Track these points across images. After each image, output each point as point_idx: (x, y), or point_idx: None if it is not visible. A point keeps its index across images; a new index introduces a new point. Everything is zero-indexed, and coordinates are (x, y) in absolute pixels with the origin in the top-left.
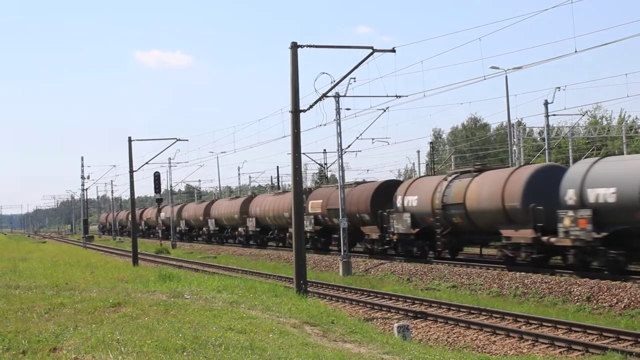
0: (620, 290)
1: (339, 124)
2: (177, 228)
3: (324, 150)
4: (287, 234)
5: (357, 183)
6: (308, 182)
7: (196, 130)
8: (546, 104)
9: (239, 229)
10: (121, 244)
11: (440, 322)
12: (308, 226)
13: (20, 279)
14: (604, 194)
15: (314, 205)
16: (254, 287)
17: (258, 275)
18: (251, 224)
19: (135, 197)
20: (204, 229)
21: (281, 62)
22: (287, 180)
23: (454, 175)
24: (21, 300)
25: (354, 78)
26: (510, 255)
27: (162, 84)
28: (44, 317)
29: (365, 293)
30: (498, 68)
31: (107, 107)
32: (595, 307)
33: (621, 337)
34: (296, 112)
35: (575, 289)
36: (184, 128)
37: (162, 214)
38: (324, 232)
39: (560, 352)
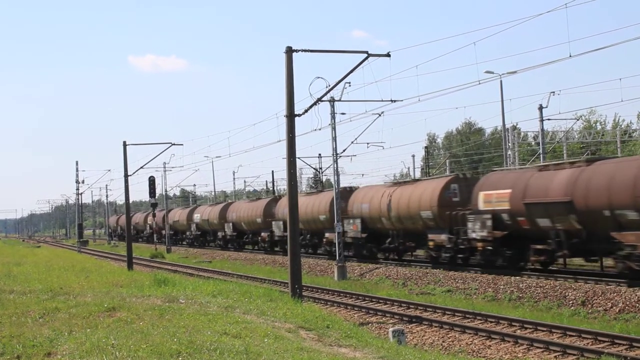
0: (615, 294)
1: (334, 129)
2: (187, 232)
3: (319, 154)
4: (325, 240)
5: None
6: (303, 187)
7: (191, 134)
8: (541, 108)
9: (262, 233)
10: (116, 248)
11: (435, 327)
12: (350, 232)
13: (14, 284)
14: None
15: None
16: (249, 292)
17: (253, 279)
18: (277, 228)
19: (130, 201)
20: (219, 233)
21: (276, 66)
22: (282, 185)
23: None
24: (15, 305)
25: (349, 82)
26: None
27: (157, 88)
28: (38, 322)
29: (360, 297)
30: (493, 72)
31: (101, 112)
32: (590, 311)
33: (616, 341)
34: (291, 116)
35: (570, 294)
36: (179, 132)
37: (171, 217)
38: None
39: (555, 357)
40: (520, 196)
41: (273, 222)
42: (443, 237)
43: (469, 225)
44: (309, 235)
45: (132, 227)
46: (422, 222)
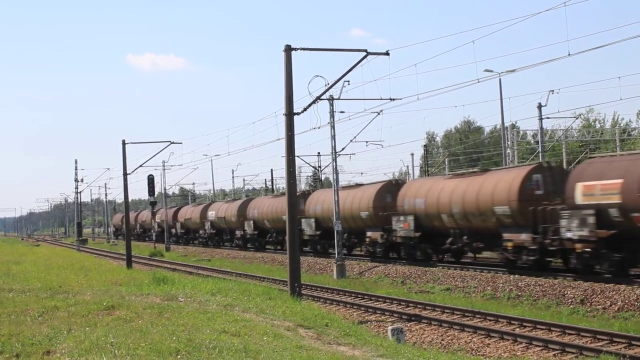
0: (614, 292)
1: (333, 127)
2: (200, 231)
3: (318, 153)
4: (367, 239)
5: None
6: (302, 185)
7: (190, 133)
8: (540, 106)
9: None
10: (115, 246)
11: (434, 325)
12: (400, 231)
13: (13, 282)
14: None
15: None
16: (248, 290)
17: (252, 278)
18: (308, 226)
19: (129, 200)
20: (238, 232)
21: (275, 65)
22: (281, 183)
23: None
24: (14, 303)
25: (348, 81)
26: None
27: (156, 87)
28: (37, 320)
29: (359, 296)
30: (492, 71)
31: (100, 110)
32: (589, 309)
33: (615, 339)
34: (290, 115)
35: (569, 292)
36: (178, 131)
37: (182, 216)
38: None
39: (554, 355)
40: (637, 187)
41: (303, 220)
42: (524, 236)
43: (563, 222)
44: (345, 235)
45: (139, 226)
46: (495, 220)
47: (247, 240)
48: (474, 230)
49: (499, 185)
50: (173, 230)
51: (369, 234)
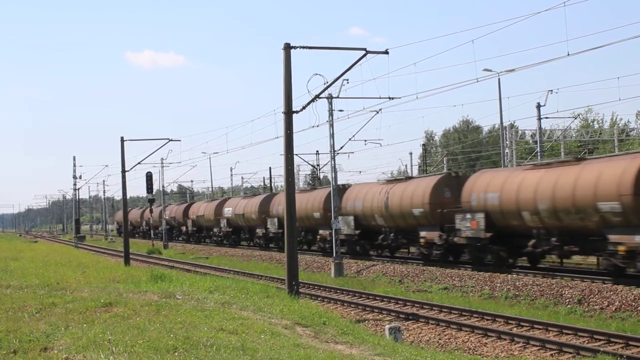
0: (611, 293)
1: (331, 126)
2: (215, 229)
3: (317, 151)
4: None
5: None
6: (300, 184)
7: (189, 130)
8: (539, 106)
9: (320, 231)
10: (113, 243)
11: (432, 324)
12: (466, 231)
13: (11, 279)
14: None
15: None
16: (246, 288)
17: (250, 276)
18: (346, 225)
19: (127, 197)
20: (258, 230)
21: (274, 63)
22: (280, 182)
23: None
24: (12, 299)
25: (347, 79)
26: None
27: (155, 84)
28: (35, 317)
29: (357, 294)
30: (491, 70)
31: (99, 107)
32: (587, 309)
33: (612, 339)
34: (289, 113)
35: (566, 292)
36: (177, 128)
37: (194, 212)
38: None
39: (552, 355)
40: None
41: (340, 218)
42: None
43: None
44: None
45: (145, 223)
46: (598, 218)
47: (270, 239)
48: (566, 230)
49: (604, 177)
50: (183, 228)
51: (423, 234)
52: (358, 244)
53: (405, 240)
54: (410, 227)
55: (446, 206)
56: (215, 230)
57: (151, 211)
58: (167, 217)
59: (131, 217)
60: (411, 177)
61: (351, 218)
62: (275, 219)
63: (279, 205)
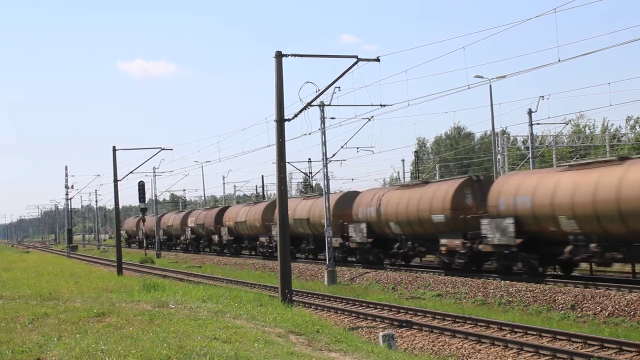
0: (604, 298)
1: (323, 133)
2: (221, 237)
3: (309, 159)
4: (443, 249)
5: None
6: (293, 191)
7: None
8: (530, 112)
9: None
10: (105, 253)
11: (426, 331)
12: (493, 238)
13: (3, 289)
14: None
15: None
16: (239, 297)
17: (243, 284)
18: (358, 232)
19: (120, 206)
20: (262, 239)
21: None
22: (272, 190)
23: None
24: (4, 310)
25: (339, 87)
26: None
27: (147, 93)
28: (27, 327)
29: (350, 302)
30: (482, 77)
31: (91, 117)
32: (580, 315)
33: (605, 345)
34: (281, 121)
35: (559, 297)
36: (169, 137)
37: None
38: None
39: None
40: None
41: (350, 226)
42: None
43: None
44: (409, 243)
45: (162, 232)
46: None
47: (275, 247)
48: (609, 236)
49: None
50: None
51: (444, 241)
52: (371, 253)
53: (423, 249)
54: (429, 234)
55: (468, 212)
56: (262, 240)
57: (143, 220)
58: (192, 225)
59: (127, 227)
60: (428, 182)
61: (363, 225)
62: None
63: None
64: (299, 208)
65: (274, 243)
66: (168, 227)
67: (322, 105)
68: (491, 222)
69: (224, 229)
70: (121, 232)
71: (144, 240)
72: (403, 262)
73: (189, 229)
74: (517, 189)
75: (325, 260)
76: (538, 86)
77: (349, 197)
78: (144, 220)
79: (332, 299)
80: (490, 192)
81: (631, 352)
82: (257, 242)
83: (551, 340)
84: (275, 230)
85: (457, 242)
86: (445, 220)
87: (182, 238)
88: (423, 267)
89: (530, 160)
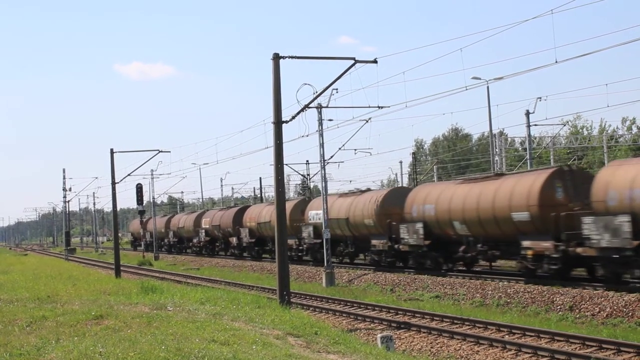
0: (602, 299)
1: (321, 135)
2: (241, 239)
3: (307, 161)
4: (528, 253)
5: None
6: (291, 193)
7: (178, 141)
8: (527, 114)
9: (374, 240)
10: (103, 256)
11: (424, 333)
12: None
13: (1, 292)
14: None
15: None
16: (237, 299)
17: (241, 286)
18: (412, 233)
19: (118, 209)
20: (290, 241)
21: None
22: (270, 191)
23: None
24: (2, 313)
25: (336, 89)
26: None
27: (144, 95)
28: (25, 330)
29: (348, 304)
30: (479, 78)
31: (88, 119)
32: (578, 316)
33: (603, 346)
34: (278, 123)
35: (557, 299)
36: (166, 139)
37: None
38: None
39: None
40: None
41: (401, 226)
42: None
43: None
44: (481, 244)
45: (172, 234)
46: None
47: (305, 251)
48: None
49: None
50: (195, 239)
51: (528, 243)
52: (428, 257)
53: (497, 252)
54: (507, 235)
55: (560, 208)
56: (236, 242)
57: (141, 222)
58: (207, 226)
59: (133, 228)
60: (503, 174)
61: (419, 225)
62: (311, 227)
63: (316, 210)
64: (336, 207)
65: (304, 246)
66: (179, 228)
67: (319, 107)
68: (597, 220)
69: (244, 231)
70: (127, 233)
71: (153, 242)
72: (464, 268)
73: (203, 230)
74: (632, 179)
75: (365, 264)
76: (535, 87)
77: (400, 193)
78: (142, 222)
79: (330, 300)
80: (595, 185)
81: (629, 352)
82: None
83: (549, 341)
84: (307, 232)
85: (547, 244)
86: (531, 218)
87: (194, 240)
88: (495, 274)
89: (528, 161)
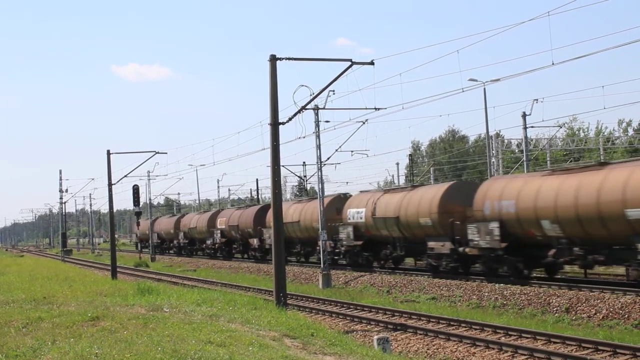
0: (598, 301)
1: (318, 137)
2: (263, 240)
3: (304, 162)
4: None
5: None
6: (287, 195)
7: (175, 142)
8: (524, 115)
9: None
10: (100, 257)
11: (420, 334)
12: None
13: None
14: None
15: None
16: (234, 300)
17: (238, 288)
18: (485, 235)
19: (114, 210)
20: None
21: (260, 74)
22: (267, 193)
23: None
24: None
25: (333, 90)
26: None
27: (141, 96)
28: (21, 332)
29: (345, 305)
30: (476, 80)
31: (85, 121)
32: (574, 318)
33: (600, 347)
34: (275, 124)
35: (554, 300)
36: (163, 141)
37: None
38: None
39: None
40: None
41: (470, 226)
42: None
43: None
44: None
45: (182, 235)
46: None
47: (342, 254)
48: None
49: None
50: (208, 241)
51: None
52: (504, 262)
53: (601, 257)
54: (615, 238)
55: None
56: (254, 242)
57: (138, 224)
58: (223, 227)
59: (140, 229)
60: (608, 162)
61: (494, 225)
62: (351, 228)
63: (357, 208)
64: (382, 204)
65: (342, 249)
66: (190, 229)
67: (316, 109)
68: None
69: (267, 232)
70: (129, 234)
71: (162, 243)
72: (547, 276)
73: (219, 231)
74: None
75: (415, 269)
76: (532, 89)
77: (465, 188)
78: (138, 224)
79: (326, 302)
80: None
81: (625, 354)
82: (317, 247)
83: (545, 343)
84: (345, 232)
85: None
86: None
87: (208, 242)
88: (593, 283)
89: (525, 163)
